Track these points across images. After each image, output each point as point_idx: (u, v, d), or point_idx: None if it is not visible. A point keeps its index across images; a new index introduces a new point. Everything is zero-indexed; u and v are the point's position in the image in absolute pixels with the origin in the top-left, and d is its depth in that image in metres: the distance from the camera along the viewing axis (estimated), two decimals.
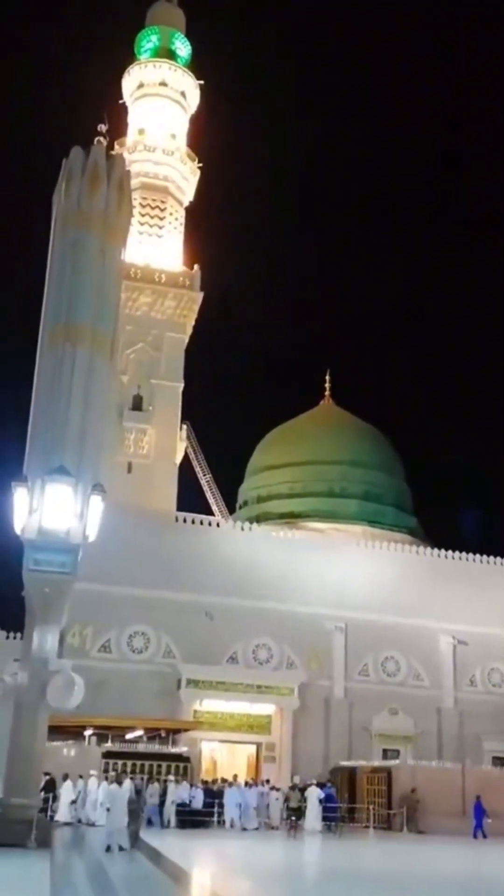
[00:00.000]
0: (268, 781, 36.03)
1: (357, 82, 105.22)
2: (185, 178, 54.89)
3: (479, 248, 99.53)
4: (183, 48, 58.02)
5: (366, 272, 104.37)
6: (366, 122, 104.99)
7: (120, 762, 33.15)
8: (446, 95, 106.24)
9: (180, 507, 46.59)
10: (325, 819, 32.41)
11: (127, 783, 23.97)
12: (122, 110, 56.79)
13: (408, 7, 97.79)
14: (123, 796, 22.37)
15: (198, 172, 55.44)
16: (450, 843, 30.35)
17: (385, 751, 42.54)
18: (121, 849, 21.42)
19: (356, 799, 36.75)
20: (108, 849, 21.20)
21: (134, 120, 56.19)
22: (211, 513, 52.07)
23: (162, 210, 53.67)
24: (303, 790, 33.32)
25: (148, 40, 57.89)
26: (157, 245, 52.66)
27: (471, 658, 46.04)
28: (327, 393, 63.31)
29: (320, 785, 34.73)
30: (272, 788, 34.24)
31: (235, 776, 35.25)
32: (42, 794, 26.32)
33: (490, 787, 35.00)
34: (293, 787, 32.77)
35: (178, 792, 31.43)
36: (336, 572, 44.34)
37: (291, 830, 29.94)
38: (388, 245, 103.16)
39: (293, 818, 30.52)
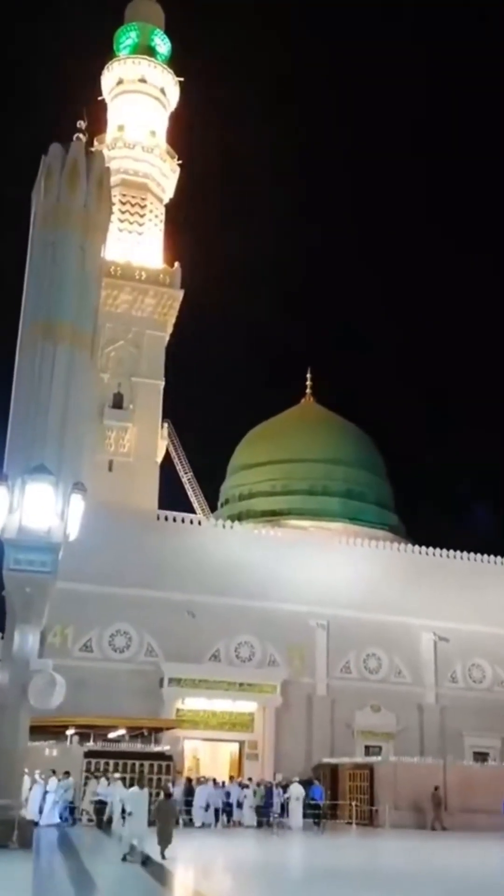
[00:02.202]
0: (250, 779, 35.92)
1: (343, 75, 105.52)
2: (164, 175, 54.77)
3: (462, 247, 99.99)
4: (162, 45, 57.89)
5: (347, 271, 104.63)
6: (353, 117, 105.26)
7: (102, 761, 33.04)
8: (435, 87, 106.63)
9: (162, 506, 46.53)
10: (309, 816, 32.56)
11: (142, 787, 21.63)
12: (102, 107, 56.63)
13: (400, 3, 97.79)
14: (145, 800, 20.39)
15: (178, 169, 55.35)
16: (487, 839, 30.07)
17: (367, 747, 42.65)
18: (145, 861, 19.09)
19: (339, 796, 36.84)
20: (125, 858, 19.46)
21: (113, 116, 56.01)
22: (192, 511, 52.00)
23: (142, 207, 53.53)
24: (285, 787, 33.47)
25: (127, 37, 57.74)
26: (137, 242, 52.51)
27: (452, 654, 46.25)
28: (308, 391, 63.41)
29: (308, 783, 34.81)
30: (242, 786, 34.02)
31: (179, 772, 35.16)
32: None
33: (471, 782, 35.22)
34: (259, 784, 32.75)
35: (97, 788, 30.07)
36: (318, 570, 44.35)
37: (274, 827, 29.94)
38: (371, 244, 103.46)
39: (275, 815, 30.54)
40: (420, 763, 37.80)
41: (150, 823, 20.41)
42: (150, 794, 21.93)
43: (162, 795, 21.67)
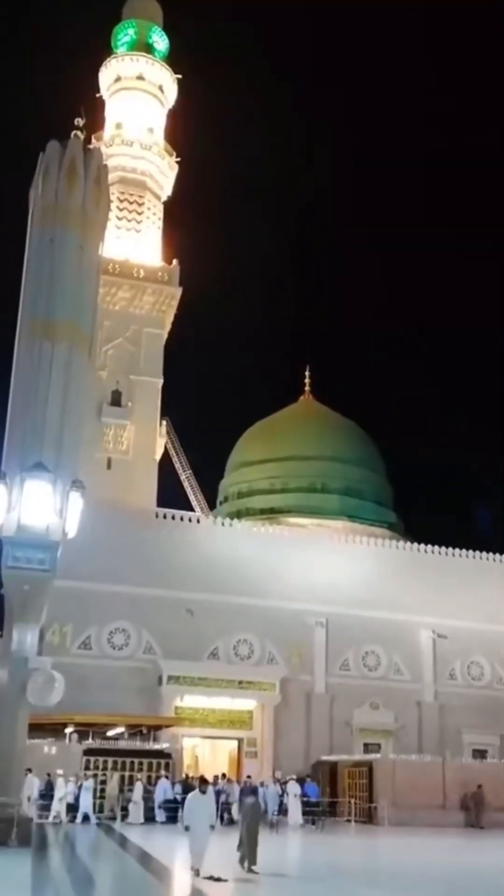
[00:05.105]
0: (223, 776, 35.47)
1: (345, 71, 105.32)
2: (162, 172, 54.65)
3: (462, 243, 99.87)
4: (160, 42, 57.76)
5: (346, 268, 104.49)
6: (354, 111, 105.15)
7: (101, 759, 33.08)
8: (439, 86, 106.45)
9: (160, 504, 46.46)
10: (306, 813, 32.58)
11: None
12: (100, 104, 56.48)
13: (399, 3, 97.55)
14: (207, 806, 17.37)
15: (176, 167, 55.22)
16: (488, 837, 30.07)
17: (366, 745, 42.64)
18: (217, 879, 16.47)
19: (337, 793, 36.86)
20: (212, 878, 16.49)
21: (111, 114, 55.88)
22: (191, 509, 51.97)
23: (140, 205, 53.41)
24: (283, 784, 33.50)
25: (125, 34, 57.61)
26: (135, 240, 52.41)
27: (450, 652, 46.28)
28: (307, 388, 63.41)
29: (302, 781, 34.81)
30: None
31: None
32: None
33: (470, 779, 35.21)
34: (229, 782, 32.66)
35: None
36: (317, 567, 44.38)
37: (275, 825, 29.92)
38: (369, 241, 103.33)
39: (274, 813, 30.50)
40: (419, 761, 37.81)
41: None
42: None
43: (250, 798, 18.71)
